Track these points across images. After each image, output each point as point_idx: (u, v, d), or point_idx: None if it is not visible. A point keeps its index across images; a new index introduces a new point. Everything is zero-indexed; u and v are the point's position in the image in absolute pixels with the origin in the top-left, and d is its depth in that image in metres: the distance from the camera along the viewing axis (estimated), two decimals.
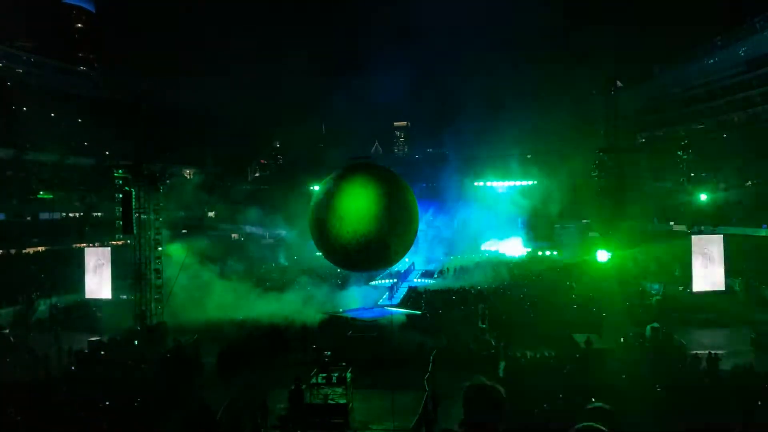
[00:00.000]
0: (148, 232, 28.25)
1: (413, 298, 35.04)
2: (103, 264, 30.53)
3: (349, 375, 18.74)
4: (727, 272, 29.73)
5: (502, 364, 21.14)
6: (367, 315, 29.37)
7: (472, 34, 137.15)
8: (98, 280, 30.52)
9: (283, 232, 52.68)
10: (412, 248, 31.63)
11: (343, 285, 36.99)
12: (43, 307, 31.63)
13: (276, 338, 24.99)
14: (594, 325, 25.21)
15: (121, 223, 27.86)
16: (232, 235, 59.57)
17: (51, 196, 47.18)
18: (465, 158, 61.82)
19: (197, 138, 53.37)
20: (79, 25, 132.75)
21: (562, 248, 52.18)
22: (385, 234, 24.80)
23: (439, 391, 17.46)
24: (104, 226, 36.08)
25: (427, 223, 49.03)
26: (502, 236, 56.30)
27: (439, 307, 31.23)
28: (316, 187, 26.43)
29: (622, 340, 24.00)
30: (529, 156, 60.11)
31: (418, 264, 49.77)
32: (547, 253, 53.53)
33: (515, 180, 58.06)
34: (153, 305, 27.90)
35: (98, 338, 25.18)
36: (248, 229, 58.45)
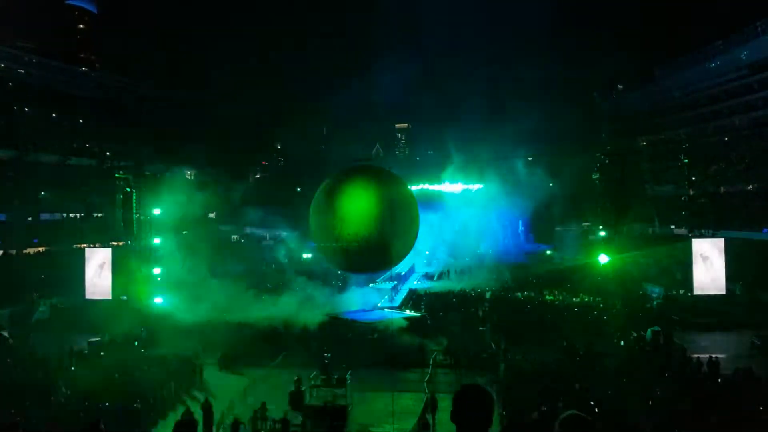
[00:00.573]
0: (149, 233, 28.25)
1: (414, 300, 35.00)
2: (104, 264, 30.59)
3: (348, 377, 18.72)
4: (728, 276, 29.74)
5: (502, 367, 21.10)
6: (367, 317, 29.29)
7: (472, 34, 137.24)
8: (98, 281, 30.54)
9: (283, 234, 52.66)
10: (413, 250, 31.72)
11: (343, 287, 36.94)
12: (43, 307, 31.57)
13: (276, 340, 24.96)
14: (594, 328, 25.17)
15: (121, 223, 27.89)
16: (232, 236, 59.61)
17: (52, 197, 47.16)
18: (466, 160, 61.72)
19: (197, 138, 53.33)
20: (81, 25, 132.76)
21: (563, 250, 52.18)
22: (385, 236, 24.82)
23: (438, 395, 17.40)
24: (105, 227, 36.12)
25: (427, 225, 48.97)
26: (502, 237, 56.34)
27: (439, 310, 31.15)
28: (318, 189, 26.43)
29: (622, 343, 23.94)
30: (530, 158, 60.05)
31: (418, 266, 49.70)
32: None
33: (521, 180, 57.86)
34: (153, 305, 27.87)
35: (98, 339, 25.15)
36: (248, 230, 58.50)
